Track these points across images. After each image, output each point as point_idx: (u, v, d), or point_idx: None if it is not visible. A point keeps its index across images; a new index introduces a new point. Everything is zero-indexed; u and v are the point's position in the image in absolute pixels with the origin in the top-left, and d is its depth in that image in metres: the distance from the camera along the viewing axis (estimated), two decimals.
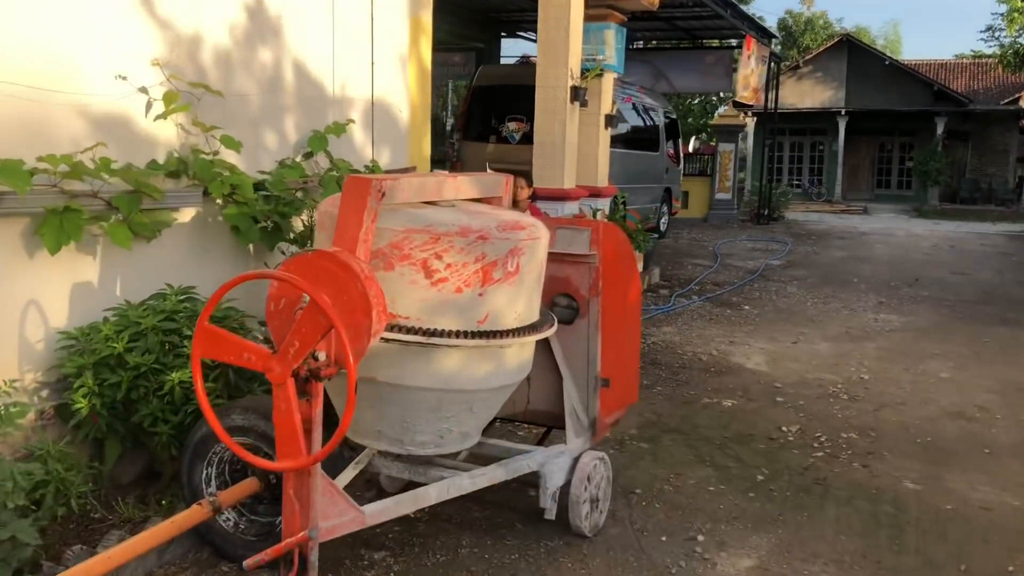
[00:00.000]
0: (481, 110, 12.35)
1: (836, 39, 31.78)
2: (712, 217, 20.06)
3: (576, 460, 3.93)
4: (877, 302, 10.25)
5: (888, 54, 35.15)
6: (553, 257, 4.06)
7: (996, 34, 27.37)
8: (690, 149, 19.58)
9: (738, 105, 27.17)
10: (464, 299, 3.19)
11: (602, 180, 10.36)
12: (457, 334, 3.17)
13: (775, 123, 20.63)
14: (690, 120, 29.20)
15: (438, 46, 16.38)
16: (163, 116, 4.35)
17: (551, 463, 3.82)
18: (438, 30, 15.15)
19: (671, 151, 16.04)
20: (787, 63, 30.64)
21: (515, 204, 8.41)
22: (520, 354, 3.48)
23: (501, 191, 3.88)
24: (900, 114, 29.43)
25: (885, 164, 32.36)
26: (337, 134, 5.33)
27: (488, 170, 11.90)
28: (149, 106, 4.34)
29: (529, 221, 3.46)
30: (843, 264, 13.55)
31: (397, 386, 3.22)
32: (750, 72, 14.36)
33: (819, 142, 32.22)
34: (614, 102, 10.61)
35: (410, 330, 3.13)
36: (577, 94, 9.08)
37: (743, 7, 37.00)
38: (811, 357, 7.41)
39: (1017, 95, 28.61)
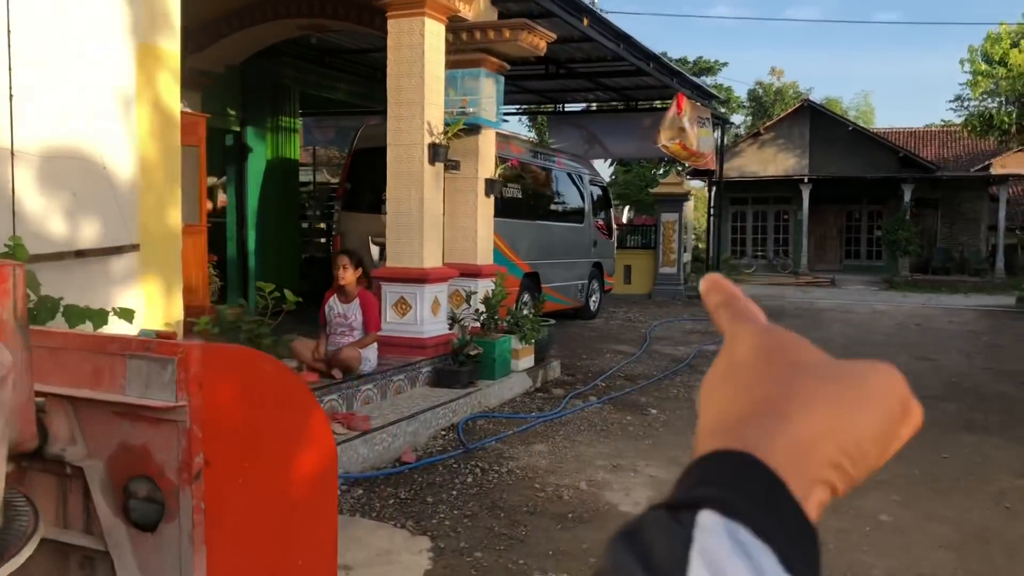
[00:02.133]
0: (364, 177, 10.65)
1: (797, 105, 30.68)
2: (657, 293, 18.35)
3: None
4: None
5: (859, 123, 34.13)
6: (123, 411, 2.30)
7: (964, 103, 26.51)
8: (624, 220, 18.00)
9: (697, 174, 25.85)
10: None
11: (483, 257, 8.64)
12: None
13: (722, 191, 19.11)
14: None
15: (341, 108, 14.92)
16: None
17: None
18: (335, 90, 13.68)
19: (601, 222, 14.41)
20: (746, 130, 29.51)
21: (341, 290, 6.66)
22: None
23: None
24: (866, 181, 28.15)
25: (854, 233, 30.96)
26: None
27: (371, 246, 10.15)
28: None
29: None
30: None
31: None
32: (677, 131, 12.84)
33: (784, 211, 30.83)
34: (501, 164, 8.95)
35: None
36: (437, 153, 7.42)
37: (710, 77, 36.25)
38: None
39: (987, 162, 27.43)
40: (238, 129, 11.49)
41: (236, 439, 2.37)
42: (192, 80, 9.35)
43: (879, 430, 0.44)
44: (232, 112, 11.34)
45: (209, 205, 13.90)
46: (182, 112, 8.48)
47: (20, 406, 2.13)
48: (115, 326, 4.31)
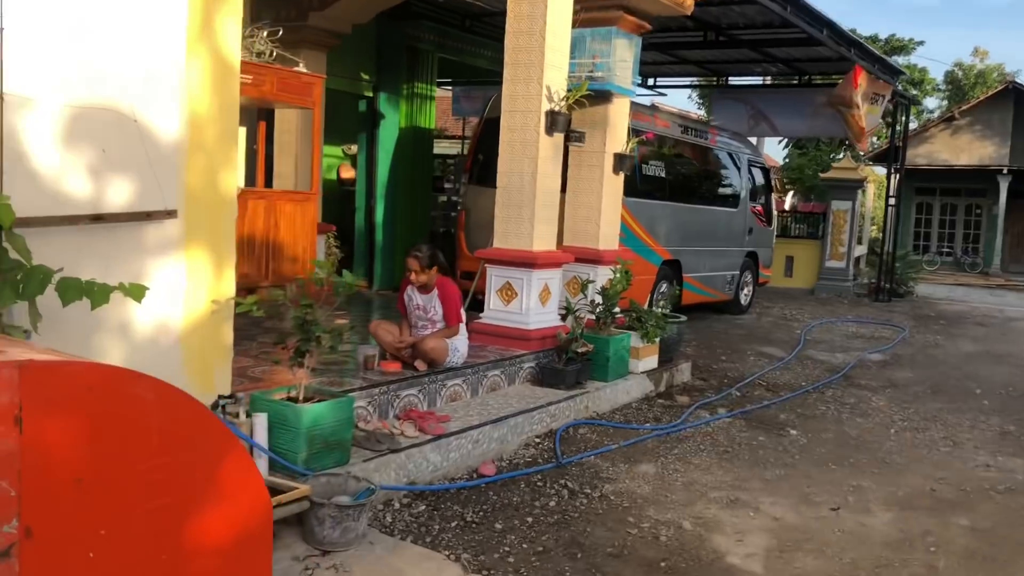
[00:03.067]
0: (494, 148, 9.88)
1: (999, 87, 27.52)
2: (820, 289, 16.74)
3: None
4: (1000, 432, 7.07)
5: None
6: None
7: None
8: (786, 206, 16.45)
9: (879, 159, 23.61)
10: None
11: (606, 242, 7.71)
12: None
13: (904, 179, 17.16)
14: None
15: (486, 77, 14.18)
16: None
17: None
18: (478, 57, 12.97)
19: (759, 207, 13.08)
20: (936, 115, 26.77)
21: (424, 288, 5.96)
22: None
23: None
24: None
25: None
26: None
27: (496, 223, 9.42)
28: None
29: None
30: (969, 364, 10.20)
31: None
32: (848, 103, 11.37)
33: (976, 204, 27.90)
34: (634, 136, 7.94)
35: None
36: (556, 121, 6.57)
37: (903, 56, 33.10)
38: (849, 545, 4.50)
39: None
40: (371, 95, 11.01)
41: (84, 498, 1.64)
42: (315, 39, 8.90)
43: None
44: (365, 76, 10.87)
45: (352, 173, 13.64)
46: (298, 72, 8.03)
47: None
48: (122, 306, 3.75)
